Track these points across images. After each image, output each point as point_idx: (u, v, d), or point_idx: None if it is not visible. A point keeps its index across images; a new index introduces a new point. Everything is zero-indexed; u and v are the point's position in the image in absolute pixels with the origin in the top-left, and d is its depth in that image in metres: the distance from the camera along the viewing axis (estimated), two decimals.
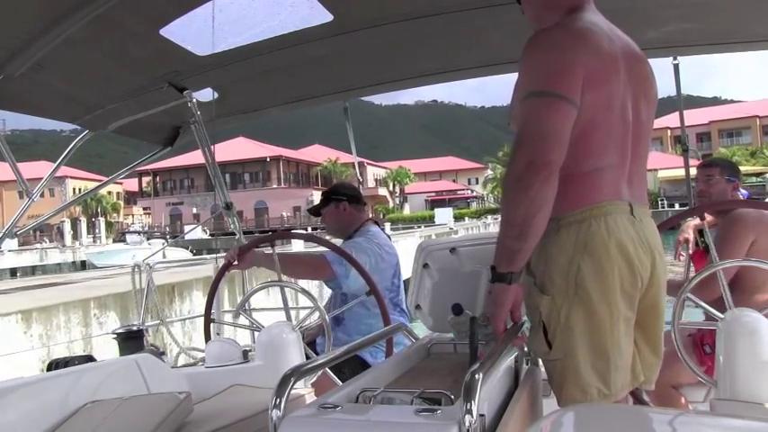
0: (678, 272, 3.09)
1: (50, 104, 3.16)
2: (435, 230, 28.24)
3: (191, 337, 7.29)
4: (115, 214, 69.33)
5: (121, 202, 73.60)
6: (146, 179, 67.59)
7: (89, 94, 3.07)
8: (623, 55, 1.66)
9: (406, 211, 66.60)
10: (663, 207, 41.00)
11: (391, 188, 73.37)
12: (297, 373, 1.29)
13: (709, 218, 3.17)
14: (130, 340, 3.52)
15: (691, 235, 3.13)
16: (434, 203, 65.80)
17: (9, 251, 33.35)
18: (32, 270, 31.88)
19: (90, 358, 2.95)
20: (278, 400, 1.21)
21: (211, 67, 2.91)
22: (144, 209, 69.49)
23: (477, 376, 1.14)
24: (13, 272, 31.17)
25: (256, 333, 2.69)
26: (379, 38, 2.74)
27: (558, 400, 1.65)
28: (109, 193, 69.48)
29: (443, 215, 47.65)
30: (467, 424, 1.09)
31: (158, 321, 4.67)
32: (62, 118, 3.36)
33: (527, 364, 1.83)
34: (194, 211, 57.91)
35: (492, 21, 2.60)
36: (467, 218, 50.18)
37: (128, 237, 41.92)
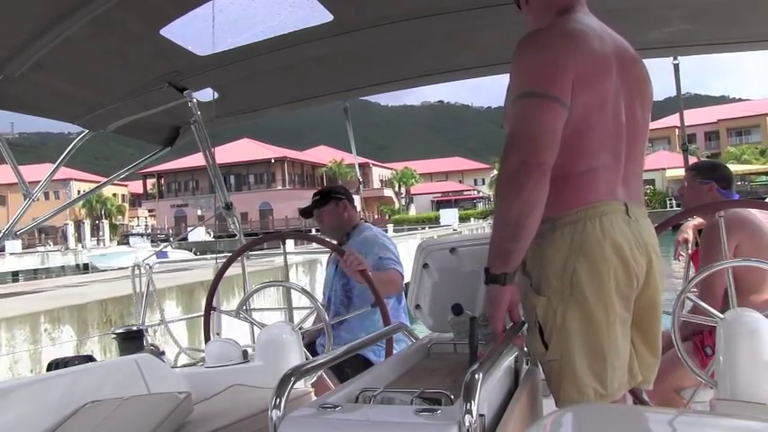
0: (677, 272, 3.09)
1: (50, 104, 3.16)
2: (438, 232, 28.09)
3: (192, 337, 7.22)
4: (120, 216, 69.45)
5: (126, 205, 73.73)
6: (150, 181, 67.78)
7: (89, 94, 3.08)
8: (616, 56, 1.65)
9: (412, 212, 66.54)
10: (671, 207, 40.75)
11: (397, 189, 73.40)
12: (297, 373, 1.29)
13: (699, 220, 3.15)
14: (130, 340, 3.53)
15: (690, 235, 3.12)
16: (440, 204, 65.69)
17: (11, 254, 33.48)
18: (34, 273, 31.93)
19: (90, 358, 2.96)
20: (278, 400, 1.21)
21: (211, 67, 2.92)
22: (149, 211, 69.69)
23: (476, 376, 1.14)
24: (15, 275, 31.24)
25: (256, 333, 2.69)
26: (379, 38, 2.74)
27: (555, 401, 1.64)
28: (114, 195, 69.70)
29: (448, 216, 47.60)
30: (467, 424, 1.08)
31: (158, 321, 4.69)
32: (62, 118, 3.36)
33: (527, 365, 1.82)
34: (199, 212, 58.00)
35: (492, 21, 2.60)
36: (472, 218, 50.10)
37: (131, 239, 42.09)
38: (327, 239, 3.23)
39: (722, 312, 2.06)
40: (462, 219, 48.28)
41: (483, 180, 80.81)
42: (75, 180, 63.94)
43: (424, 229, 37.27)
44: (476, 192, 74.71)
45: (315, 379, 2.60)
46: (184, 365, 3.49)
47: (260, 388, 2.20)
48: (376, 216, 63.09)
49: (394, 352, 2.69)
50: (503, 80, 1.85)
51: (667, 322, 2.28)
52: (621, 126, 1.66)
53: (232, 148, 60.60)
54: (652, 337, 1.73)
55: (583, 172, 1.62)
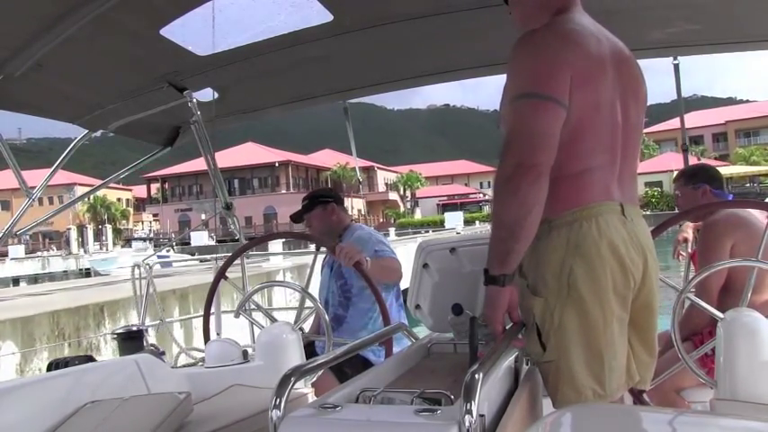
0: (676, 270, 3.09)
1: (50, 104, 3.17)
2: (441, 236, 28.02)
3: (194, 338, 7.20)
4: (124, 221, 69.61)
5: (131, 209, 73.89)
6: (155, 186, 67.91)
7: (89, 94, 3.09)
8: (611, 56, 1.65)
9: (418, 215, 66.45)
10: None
11: (402, 192, 73.37)
12: (297, 373, 1.29)
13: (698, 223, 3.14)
14: (130, 340, 3.53)
15: (690, 235, 3.11)
16: (446, 207, 65.54)
17: (11, 259, 33.50)
18: (35, 279, 31.94)
19: (90, 358, 2.95)
20: (278, 400, 1.20)
21: (211, 67, 2.92)
22: (153, 215, 69.80)
23: (476, 376, 1.13)
24: (16, 281, 31.26)
25: (257, 333, 2.68)
26: (379, 38, 2.74)
27: (552, 402, 1.64)
28: (118, 200, 69.86)
29: (453, 219, 47.51)
30: (467, 424, 1.08)
31: (158, 321, 4.69)
32: (62, 118, 3.36)
33: (527, 365, 1.81)
34: (203, 216, 58.02)
35: (492, 21, 2.58)
36: (477, 222, 49.97)
37: (133, 243, 42.18)
38: (318, 237, 3.22)
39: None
40: (467, 222, 48.17)
41: (489, 183, 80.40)
42: (80, 185, 64.08)
43: (427, 232, 37.18)
44: (481, 195, 74.56)
45: (315, 379, 2.59)
46: (184, 365, 3.49)
47: (260, 388, 2.20)
48: (381, 219, 63.06)
49: (394, 352, 2.69)
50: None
51: (667, 322, 2.28)
52: (617, 126, 1.65)
53: (236, 151, 60.68)
54: (649, 337, 1.72)
55: (578, 172, 1.61)
